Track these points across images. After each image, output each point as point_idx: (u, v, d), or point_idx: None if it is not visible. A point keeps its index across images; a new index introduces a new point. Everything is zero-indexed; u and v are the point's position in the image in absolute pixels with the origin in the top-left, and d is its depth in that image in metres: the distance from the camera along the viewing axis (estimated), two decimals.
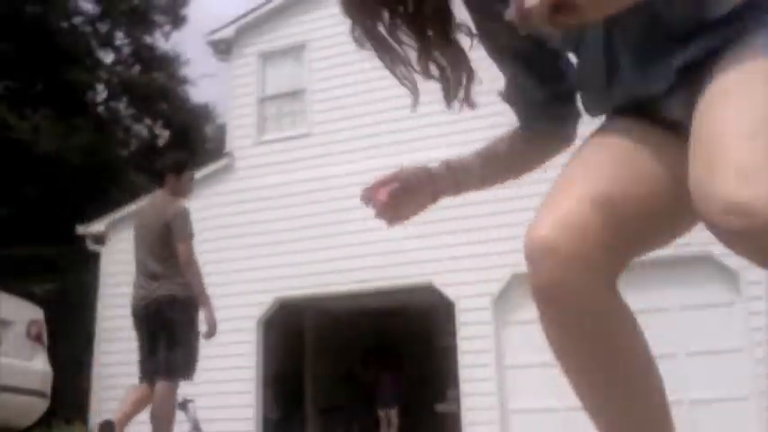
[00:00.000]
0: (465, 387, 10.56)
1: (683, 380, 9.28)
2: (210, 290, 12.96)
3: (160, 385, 5.05)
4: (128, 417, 5.08)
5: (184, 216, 5.27)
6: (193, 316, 5.23)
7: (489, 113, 11.14)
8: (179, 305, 5.15)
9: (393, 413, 13.19)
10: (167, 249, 5.15)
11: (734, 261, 9.56)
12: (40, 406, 6.07)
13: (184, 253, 5.08)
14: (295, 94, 12.91)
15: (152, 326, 5.17)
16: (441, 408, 12.61)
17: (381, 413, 13.17)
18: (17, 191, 17.76)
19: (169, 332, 5.10)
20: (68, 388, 11.50)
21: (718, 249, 9.65)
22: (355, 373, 14.49)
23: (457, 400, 10.81)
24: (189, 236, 5.17)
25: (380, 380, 13.31)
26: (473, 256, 10.57)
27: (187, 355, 5.12)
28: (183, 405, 10.78)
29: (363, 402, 14.57)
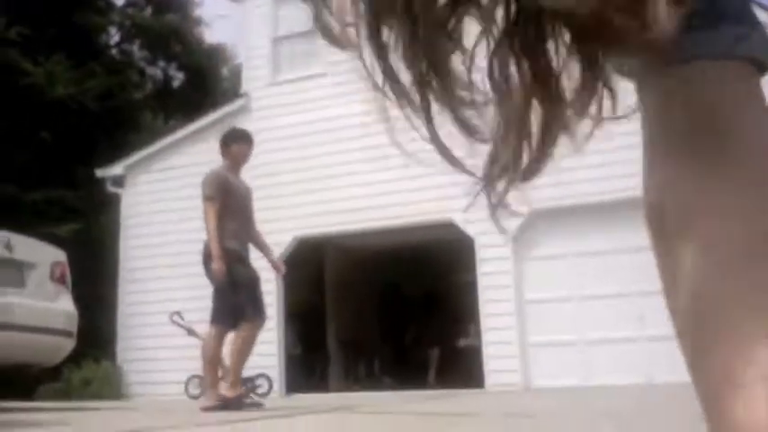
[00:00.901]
0: (486, 322, 10.67)
1: None
2: None
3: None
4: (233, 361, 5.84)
5: (206, 180, 5.99)
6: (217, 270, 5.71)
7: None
8: (207, 261, 5.79)
9: (435, 352, 13.42)
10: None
11: None
12: (67, 346, 6.20)
13: (211, 218, 5.77)
14: (309, 34, 12.76)
15: None
16: (462, 342, 12.77)
17: (429, 351, 13.45)
18: (34, 136, 17.83)
19: (213, 285, 5.82)
20: (96, 327, 11.72)
21: None
22: (384, 310, 14.69)
23: (478, 335, 10.93)
24: (206, 197, 5.85)
25: (421, 320, 13.51)
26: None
27: (217, 306, 5.83)
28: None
29: (384, 338, 14.78)
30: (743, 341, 0.60)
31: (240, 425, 3.83)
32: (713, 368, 0.62)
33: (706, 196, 0.63)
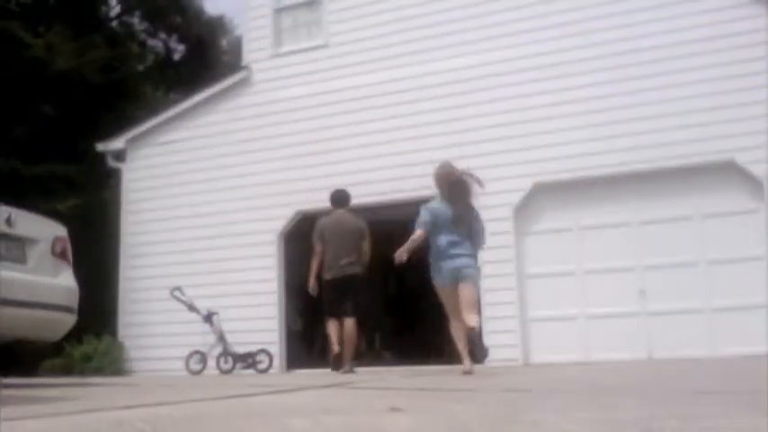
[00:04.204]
0: (486, 297, 10.67)
1: (704, 288, 9.33)
2: (232, 204, 12.93)
3: (349, 320, 8.82)
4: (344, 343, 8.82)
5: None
6: (365, 283, 9.02)
7: (500, 20, 10.74)
8: (360, 277, 8.93)
9: (433, 327, 13.49)
10: (359, 246, 8.99)
11: (758, 168, 9.44)
12: (69, 321, 6.18)
13: (369, 249, 9.16)
14: (311, 4, 12.66)
15: (343, 288, 8.77)
16: None
17: (427, 326, 13.52)
18: (35, 110, 17.75)
19: (355, 292, 8.83)
20: (97, 303, 11.73)
21: (741, 157, 9.55)
22: (383, 284, 14.68)
23: (478, 310, 10.92)
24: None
25: (420, 294, 13.53)
26: (494, 167, 10.51)
27: (362, 304, 8.97)
28: (209, 317, 11.05)
29: (384, 313, 14.80)
30: None
31: (246, 399, 3.83)
32: None
33: None
